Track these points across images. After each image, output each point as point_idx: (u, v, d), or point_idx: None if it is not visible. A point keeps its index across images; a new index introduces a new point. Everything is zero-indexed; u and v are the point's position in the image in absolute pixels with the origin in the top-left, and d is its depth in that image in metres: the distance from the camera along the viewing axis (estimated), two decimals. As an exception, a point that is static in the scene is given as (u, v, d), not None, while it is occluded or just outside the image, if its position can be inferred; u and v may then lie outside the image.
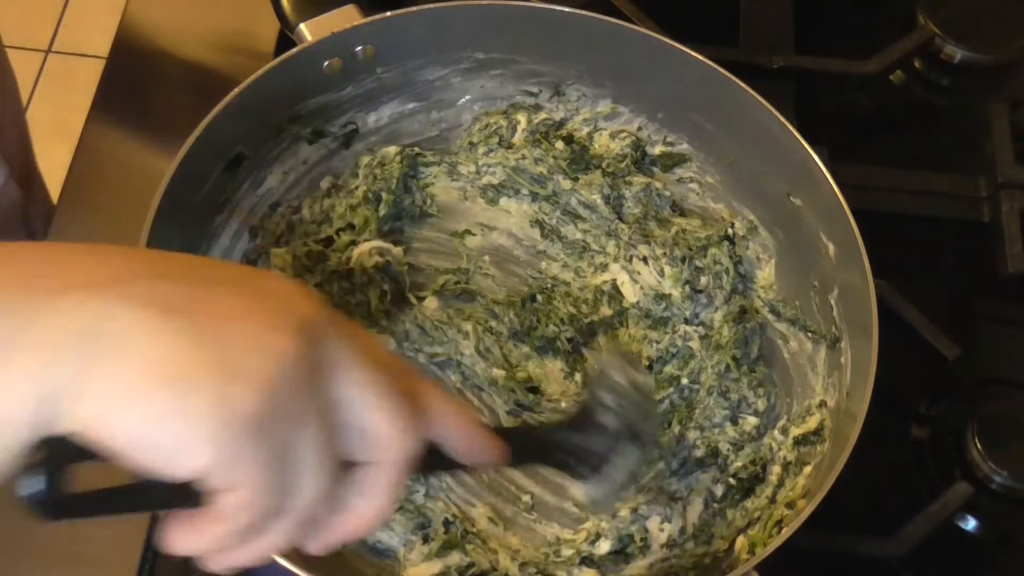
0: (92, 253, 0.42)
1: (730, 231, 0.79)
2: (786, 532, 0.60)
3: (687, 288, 0.77)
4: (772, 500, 0.70)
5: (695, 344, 0.75)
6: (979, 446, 0.75)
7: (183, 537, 0.42)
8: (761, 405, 0.74)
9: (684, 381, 0.75)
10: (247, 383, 0.40)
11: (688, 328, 0.76)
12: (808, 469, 0.70)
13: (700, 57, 0.76)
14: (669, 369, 0.76)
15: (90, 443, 0.39)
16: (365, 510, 0.46)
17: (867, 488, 0.72)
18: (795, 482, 0.70)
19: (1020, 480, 0.74)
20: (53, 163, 0.99)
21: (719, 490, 0.72)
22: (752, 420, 0.73)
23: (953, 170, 0.89)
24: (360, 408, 0.44)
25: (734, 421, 0.73)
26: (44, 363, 0.38)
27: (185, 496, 0.40)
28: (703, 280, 0.77)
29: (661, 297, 0.77)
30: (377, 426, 0.44)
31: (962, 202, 0.88)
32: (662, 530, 0.70)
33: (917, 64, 0.96)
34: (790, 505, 0.68)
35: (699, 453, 0.73)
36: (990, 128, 0.89)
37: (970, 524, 0.74)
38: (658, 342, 0.77)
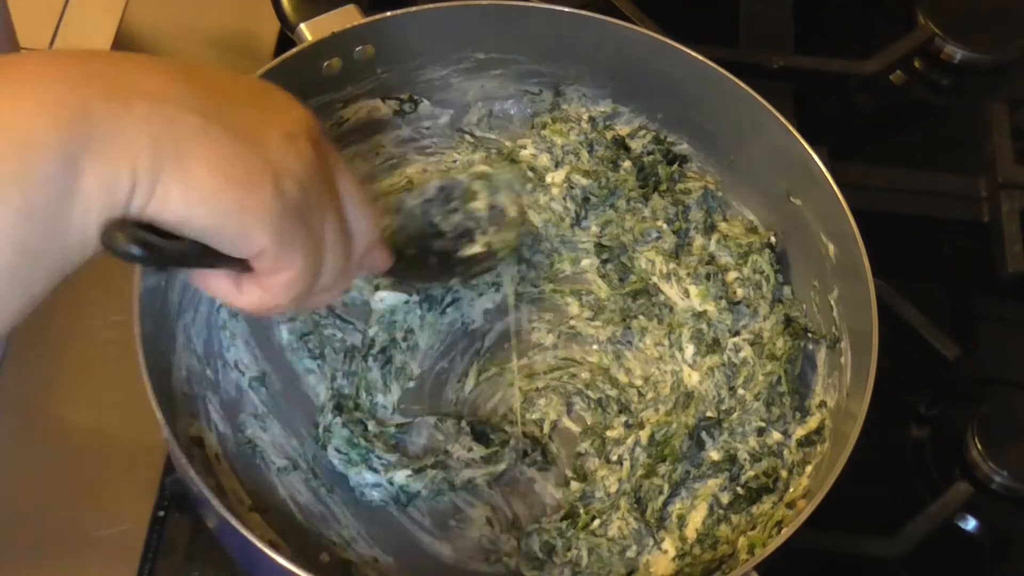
0: (141, 67, 0.47)
1: (772, 239, 0.78)
2: (786, 532, 0.60)
3: (723, 302, 0.76)
4: (776, 504, 0.70)
5: (746, 352, 0.75)
6: (979, 446, 0.75)
7: (230, 291, 0.52)
8: (792, 429, 0.73)
9: (740, 392, 0.74)
10: (291, 179, 0.48)
11: (736, 339, 0.75)
12: (809, 469, 0.70)
13: (700, 57, 0.76)
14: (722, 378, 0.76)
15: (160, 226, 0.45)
16: (350, 279, 0.58)
17: (867, 488, 0.72)
18: (797, 482, 0.70)
19: (1020, 480, 0.74)
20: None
21: (726, 498, 0.71)
22: (777, 435, 0.73)
23: (953, 170, 0.89)
24: (354, 200, 0.54)
25: (760, 433, 0.73)
26: (127, 161, 0.44)
27: (240, 262, 0.50)
28: (740, 292, 0.77)
29: (699, 315, 0.77)
30: (364, 215, 0.55)
31: (962, 202, 0.88)
32: (665, 552, 0.70)
33: (917, 64, 0.96)
34: (790, 505, 0.68)
35: (716, 456, 0.73)
36: (990, 128, 0.90)
37: (970, 524, 0.74)
38: (717, 368, 0.75)
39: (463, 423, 0.73)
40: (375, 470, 0.71)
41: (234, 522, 0.58)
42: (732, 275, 0.77)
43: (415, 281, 0.75)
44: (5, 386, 0.76)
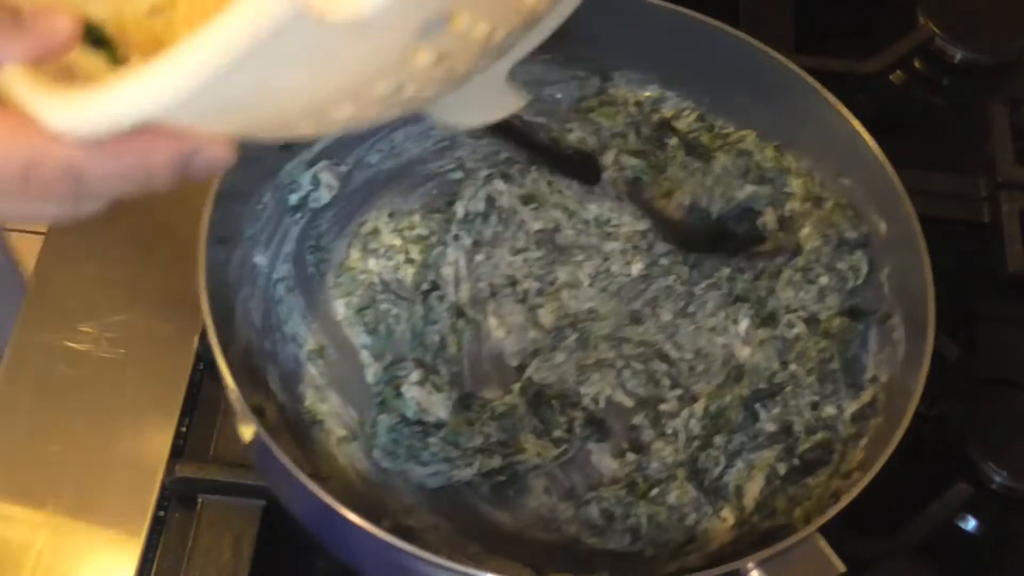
0: None
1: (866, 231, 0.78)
2: (845, 499, 0.60)
3: (800, 275, 0.77)
4: (832, 475, 0.70)
5: (799, 329, 0.75)
6: (979, 446, 0.75)
7: None
8: (846, 404, 0.73)
9: (792, 367, 0.75)
10: None
11: (791, 316, 0.76)
12: (863, 442, 0.70)
13: (750, 39, 0.76)
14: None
15: None
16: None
17: (867, 488, 0.72)
18: (852, 455, 0.70)
19: (1020, 480, 0.74)
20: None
21: (782, 468, 0.71)
22: (830, 409, 0.73)
23: (953, 170, 0.89)
24: None
25: (813, 407, 0.73)
26: None
27: None
28: (824, 279, 0.77)
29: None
30: None
31: (962, 202, 0.88)
32: (723, 520, 0.70)
33: (917, 64, 0.96)
34: (845, 476, 0.69)
35: (772, 428, 0.73)
36: (990, 128, 0.90)
37: (970, 524, 0.74)
38: (767, 341, 0.76)
39: (526, 409, 0.74)
40: (425, 463, 0.71)
41: (311, 486, 0.57)
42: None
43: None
44: (4, 386, 0.76)
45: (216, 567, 0.70)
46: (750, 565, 0.58)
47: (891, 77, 0.96)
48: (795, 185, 0.79)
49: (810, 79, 0.74)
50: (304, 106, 0.40)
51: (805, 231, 0.77)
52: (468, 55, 0.42)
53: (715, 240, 0.80)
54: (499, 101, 0.58)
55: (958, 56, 0.95)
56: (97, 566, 0.70)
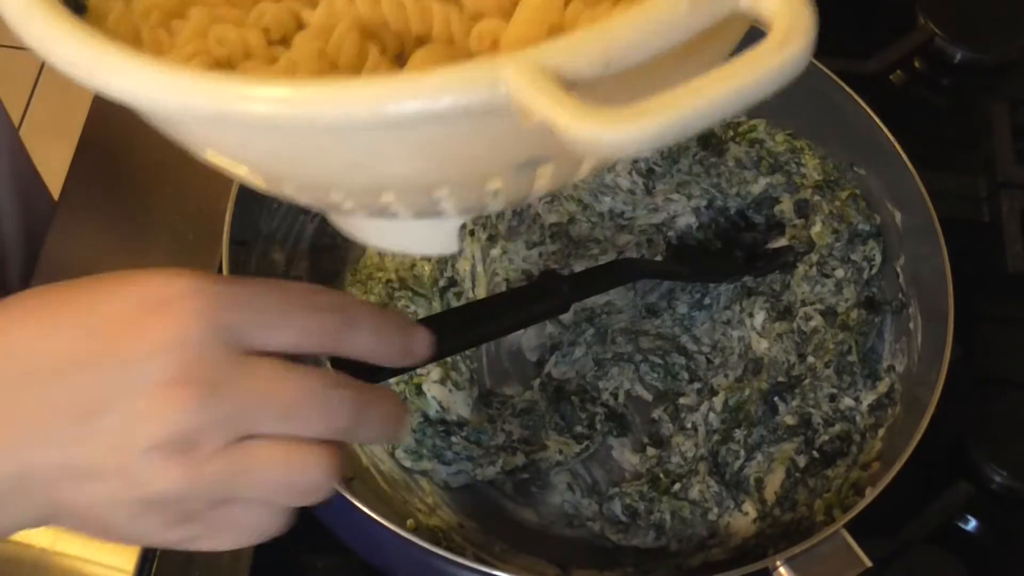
0: None
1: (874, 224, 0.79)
2: (871, 494, 0.61)
3: (815, 269, 0.77)
4: (851, 466, 0.71)
5: (817, 321, 0.75)
6: (979, 446, 0.75)
7: None
8: (864, 395, 0.74)
9: (810, 359, 0.75)
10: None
11: (807, 309, 0.76)
12: (881, 432, 0.71)
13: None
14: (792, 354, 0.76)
15: None
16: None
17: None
18: (870, 445, 0.71)
19: (1020, 480, 0.74)
20: (53, 163, 0.98)
21: (802, 461, 0.71)
22: (848, 401, 0.73)
23: (953, 170, 0.89)
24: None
25: (832, 399, 0.73)
26: None
27: None
28: (839, 272, 0.77)
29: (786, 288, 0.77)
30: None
31: (962, 202, 0.88)
32: (746, 513, 0.70)
33: (917, 64, 0.96)
34: (864, 467, 0.69)
35: (791, 421, 0.73)
36: (990, 128, 0.89)
37: (970, 524, 0.74)
38: (785, 335, 0.76)
39: (546, 405, 0.74)
40: (448, 463, 0.71)
41: (338, 488, 0.57)
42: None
43: (715, 273, 0.77)
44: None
45: (216, 568, 0.70)
46: (778, 562, 0.59)
47: (891, 77, 0.96)
48: (810, 166, 0.79)
49: (825, 69, 0.75)
50: (383, 183, 0.37)
51: (816, 228, 0.77)
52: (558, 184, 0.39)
53: (729, 243, 0.80)
54: (442, 241, 0.58)
55: (958, 56, 0.95)
56: (97, 566, 0.70)
